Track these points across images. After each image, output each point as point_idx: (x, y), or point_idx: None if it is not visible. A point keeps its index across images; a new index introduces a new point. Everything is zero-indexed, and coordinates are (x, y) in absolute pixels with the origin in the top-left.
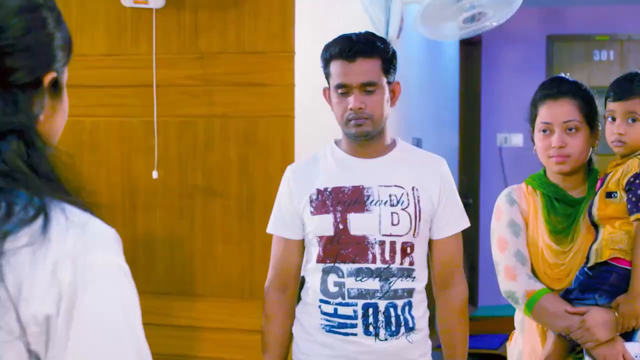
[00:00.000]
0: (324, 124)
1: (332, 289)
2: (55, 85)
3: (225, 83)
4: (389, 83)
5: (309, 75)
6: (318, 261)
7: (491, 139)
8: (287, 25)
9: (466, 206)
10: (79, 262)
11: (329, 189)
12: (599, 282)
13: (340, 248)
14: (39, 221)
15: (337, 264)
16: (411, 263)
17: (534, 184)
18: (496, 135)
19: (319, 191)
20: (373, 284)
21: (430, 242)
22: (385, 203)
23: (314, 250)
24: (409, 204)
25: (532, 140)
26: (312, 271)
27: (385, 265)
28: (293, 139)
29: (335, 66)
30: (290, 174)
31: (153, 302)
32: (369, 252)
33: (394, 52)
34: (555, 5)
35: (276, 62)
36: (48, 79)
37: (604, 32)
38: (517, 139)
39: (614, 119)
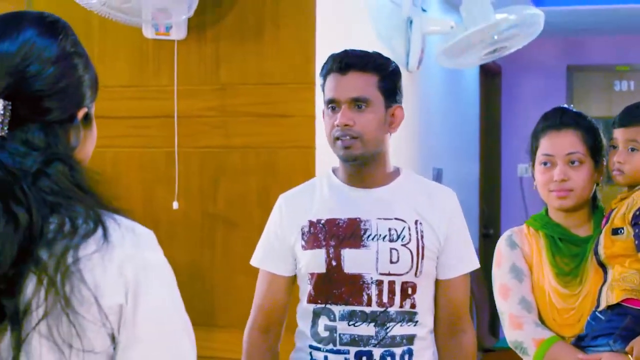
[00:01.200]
0: None
1: (323, 333)
2: (86, 117)
3: (246, 114)
4: (388, 105)
5: None
6: (309, 301)
7: (512, 169)
8: (308, 56)
9: (487, 237)
10: (138, 261)
11: (322, 221)
12: (613, 327)
13: (333, 287)
14: (100, 230)
15: (328, 305)
16: (413, 305)
17: (535, 225)
18: (517, 165)
19: (311, 223)
20: (367, 329)
21: (436, 283)
22: (384, 238)
23: (305, 288)
24: (410, 239)
25: (532, 175)
26: (303, 312)
27: (382, 309)
28: (314, 170)
29: (328, 81)
30: (282, 202)
31: None
32: (364, 293)
33: (396, 73)
34: (575, 36)
35: (297, 93)
36: (81, 114)
37: (625, 62)
38: None
39: (615, 147)
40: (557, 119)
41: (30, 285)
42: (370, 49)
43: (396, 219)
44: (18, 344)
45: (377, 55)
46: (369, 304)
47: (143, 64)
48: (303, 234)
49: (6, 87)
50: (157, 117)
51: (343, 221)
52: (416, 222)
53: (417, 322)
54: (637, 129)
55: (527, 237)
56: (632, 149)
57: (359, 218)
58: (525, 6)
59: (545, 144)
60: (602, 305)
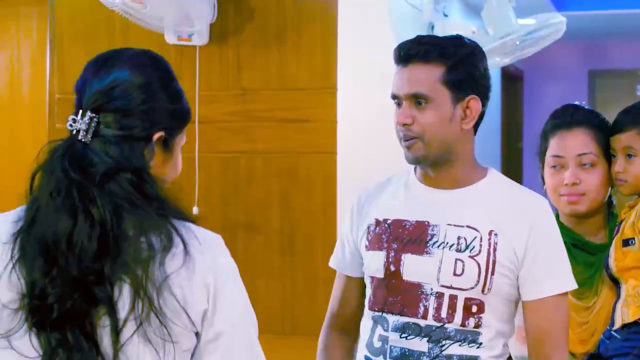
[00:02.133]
0: (367, 160)
1: (377, 343)
2: (166, 143)
3: (267, 119)
4: (458, 99)
5: (351, 111)
6: (369, 307)
7: (534, 174)
8: (329, 61)
9: None
10: (215, 268)
11: (388, 221)
12: (629, 346)
13: (389, 294)
14: (180, 244)
15: (384, 314)
16: (477, 325)
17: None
18: (539, 171)
19: (377, 222)
20: (420, 344)
21: (522, 305)
22: (450, 247)
23: (367, 292)
24: (480, 251)
25: (542, 178)
26: (365, 319)
27: (439, 324)
28: (335, 175)
29: (394, 72)
30: (356, 198)
31: None
32: (421, 305)
33: (471, 59)
34: (597, 41)
35: (318, 98)
36: (156, 136)
37: None
38: None
39: (614, 157)
40: (568, 117)
41: (125, 292)
42: (390, 54)
43: (468, 226)
44: (116, 343)
45: (448, 41)
46: (424, 317)
47: None
48: (368, 232)
49: (94, 102)
50: None
51: (410, 223)
52: (490, 232)
53: (481, 344)
54: (630, 133)
55: None
56: (630, 155)
57: (428, 222)
58: (548, 13)
59: (555, 145)
60: (618, 324)
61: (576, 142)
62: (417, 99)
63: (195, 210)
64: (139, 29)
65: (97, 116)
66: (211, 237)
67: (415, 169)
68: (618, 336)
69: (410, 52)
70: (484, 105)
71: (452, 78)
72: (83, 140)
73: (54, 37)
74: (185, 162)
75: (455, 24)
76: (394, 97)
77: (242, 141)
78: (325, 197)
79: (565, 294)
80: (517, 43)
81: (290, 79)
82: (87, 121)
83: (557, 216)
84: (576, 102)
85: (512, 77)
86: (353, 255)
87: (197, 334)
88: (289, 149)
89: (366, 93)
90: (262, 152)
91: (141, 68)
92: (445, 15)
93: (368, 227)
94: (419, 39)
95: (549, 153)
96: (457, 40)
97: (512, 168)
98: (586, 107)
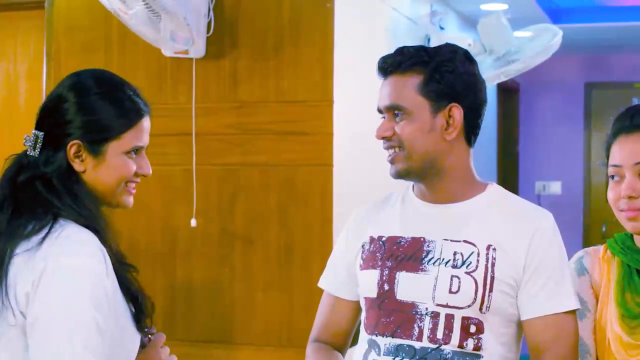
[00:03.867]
0: (364, 173)
1: None
2: (94, 150)
3: (265, 132)
4: (438, 108)
5: (348, 124)
6: (365, 330)
7: (529, 186)
8: (326, 74)
9: None
10: (53, 260)
11: (383, 238)
12: None
13: (382, 315)
14: (43, 233)
15: (376, 337)
16: (477, 347)
17: (614, 248)
18: (535, 183)
19: (372, 239)
20: None
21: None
22: (446, 263)
23: (362, 315)
24: (477, 267)
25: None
26: (360, 343)
27: (434, 346)
28: (332, 188)
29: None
30: (352, 216)
31: (193, 350)
32: (415, 325)
33: (451, 66)
34: (593, 53)
35: (315, 111)
36: (71, 146)
37: None
38: (556, 187)
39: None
40: (627, 120)
41: None
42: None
43: (465, 241)
44: None
45: (427, 50)
46: (419, 339)
47: (161, 81)
48: (363, 251)
49: (36, 121)
50: (175, 135)
51: (406, 240)
52: (488, 247)
53: None
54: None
55: (600, 262)
56: None
57: (424, 238)
58: (544, 25)
59: (614, 153)
60: None
61: (636, 149)
62: (395, 111)
63: (193, 222)
64: (136, 42)
65: (38, 133)
66: (76, 237)
67: (413, 185)
68: None
69: (389, 64)
70: (472, 113)
71: (429, 88)
72: (31, 154)
73: (51, 50)
74: (182, 174)
75: (451, 36)
76: (379, 110)
77: (239, 154)
78: (322, 209)
79: (569, 313)
80: (512, 58)
81: (287, 91)
82: (33, 138)
83: (632, 237)
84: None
85: (508, 90)
86: (347, 275)
87: (23, 314)
88: (286, 162)
89: (363, 106)
90: (259, 164)
91: (60, 88)
92: (442, 28)
93: (363, 246)
94: (400, 50)
95: (609, 162)
96: (438, 47)
97: (508, 181)
98: None
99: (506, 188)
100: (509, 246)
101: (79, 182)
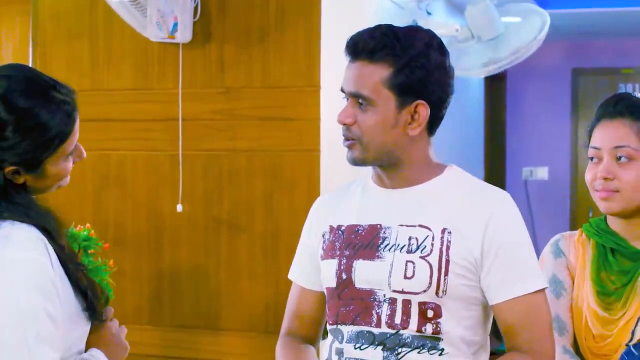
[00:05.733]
0: None
1: (334, 357)
2: (32, 169)
3: (251, 117)
4: (404, 103)
5: (334, 109)
6: (328, 320)
7: (517, 172)
8: (312, 59)
9: None
10: None
11: (342, 227)
12: None
13: (342, 304)
14: None
15: (338, 326)
16: (436, 332)
17: (589, 231)
18: (522, 169)
19: (331, 229)
20: (374, 353)
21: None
22: (401, 248)
23: (326, 306)
24: (432, 251)
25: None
26: (328, 333)
27: (393, 331)
28: (319, 174)
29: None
30: (315, 205)
31: (178, 335)
32: (374, 312)
33: (424, 61)
34: (580, 39)
35: (302, 96)
36: (8, 170)
37: (630, 65)
38: (543, 173)
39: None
40: (611, 106)
41: None
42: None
43: (420, 225)
44: None
45: (400, 37)
46: (378, 325)
47: (148, 67)
48: (324, 241)
49: None
50: (162, 121)
51: (363, 228)
52: (443, 230)
53: (442, 350)
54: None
55: (575, 244)
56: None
57: (380, 225)
58: (530, 5)
59: (595, 136)
60: (636, 338)
61: (615, 133)
62: (359, 99)
63: (179, 208)
64: (122, 27)
65: None
66: (18, 233)
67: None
68: (636, 352)
69: (358, 47)
70: (438, 107)
71: (398, 82)
72: None
73: (37, 36)
74: (169, 159)
75: (438, 22)
76: (342, 90)
77: (225, 139)
78: (309, 195)
79: (538, 293)
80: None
81: (274, 77)
82: None
83: (605, 220)
84: (626, 92)
85: (494, 76)
86: (311, 266)
87: None
88: (273, 147)
89: None
90: (245, 150)
91: None
92: (429, 14)
93: (323, 235)
94: (371, 32)
95: (590, 144)
96: (411, 35)
97: (496, 167)
98: (635, 97)
99: (493, 174)
100: (465, 229)
101: (20, 192)
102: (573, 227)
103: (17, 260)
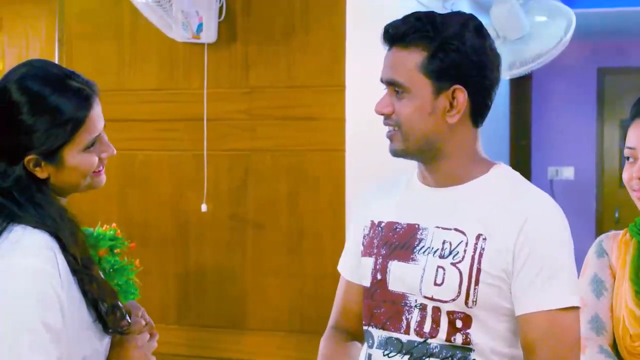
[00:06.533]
0: (375, 158)
1: None
2: (51, 159)
3: (276, 117)
4: (441, 89)
5: (359, 108)
6: (363, 320)
7: (542, 172)
8: (338, 59)
9: None
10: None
11: (382, 224)
12: None
13: (374, 306)
14: None
15: (370, 328)
16: (466, 342)
17: (633, 230)
18: (547, 168)
19: (372, 224)
20: None
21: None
22: (435, 252)
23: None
24: (464, 257)
25: None
26: None
27: (421, 340)
28: (344, 173)
29: None
30: (362, 197)
31: (204, 335)
32: (403, 318)
33: (459, 41)
34: (606, 38)
35: (327, 96)
36: (28, 160)
37: None
38: (569, 172)
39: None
40: None
41: None
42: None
43: (455, 229)
44: None
45: (434, 21)
46: (406, 332)
47: (173, 67)
48: (364, 237)
49: None
50: (187, 120)
51: (401, 226)
52: (478, 236)
53: None
54: None
55: (618, 244)
56: None
57: (418, 225)
58: (557, 3)
59: (630, 135)
60: None
61: None
62: (395, 87)
63: (204, 207)
64: (147, 28)
65: None
66: (27, 240)
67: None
68: None
69: (392, 34)
70: (480, 94)
71: (433, 66)
72: None
73: (63, 36)
74: (193, 159)
75: None
76: (381, 80)
77: (250, 139)
78: (334, 195)
79: (565, 310)
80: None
81: (298, 76)
82: None
83: None
84: None
85: (520, 76)
86: (356, 259)
87: None
88: (297, 147)
89: (374, 90)
90: (270, 149)
91: (11, 92)
92: None
93: (364, 230)
94: (405, 18)
95: (625, 144)
96: (447, 18)
97: (521, 167)
98: None
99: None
100: (500, 234)
101: (42, 190)
102: (599, 227)
103: (21, 268)
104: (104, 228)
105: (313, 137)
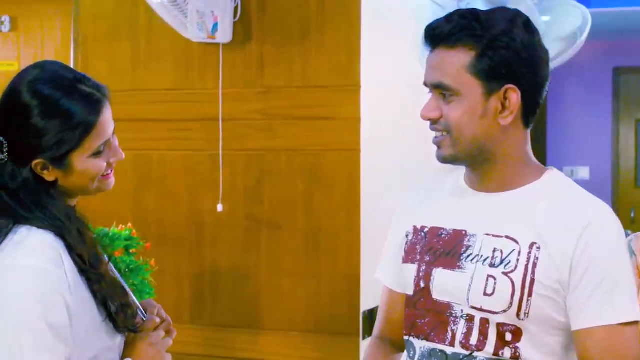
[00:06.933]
0: (392, 158)
1: None
2: (58, 163)
3: (291, 117)
4: (492, 89)
5: (375, 108)
6: (404, 329)
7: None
8: (353, 59)
9: None
10: (5, 262)
11: (426, 229)
12: None
13: (417, 316)
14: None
15: (411, 338)
16: (515, 356)
17: None
18: (562, 168)
19: (415, 229)
20: None
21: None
22: (484, 260)
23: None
24: (517, 267)
25: None
26: None
27: (467, 352)
28: (359, 173)
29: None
30: (404, 199)
31: (219, 334)
32: (449, 329)
33: (508, 37)
34: (621, 38)
35: (342, 95)
36: (35, 164)
37: None
38: (584, 172)
39: None
40: None
41: None
42: (413, 52)
43: (507, 237)
44: None
45: (480, 18)
46: (451, 344)
47: (188, 66)
48: (406, 242)
49: None
50: (202, 120)
51: (447, 232)
52: (532, 244)
53: None
54: None
55: None
56: None
57: (466, 231)
58: (569, 0)
59: None
60: None
61: None
62: (443, 91)
63: (219, 207)
64: (163, 29)
65: (2, 139)
66: (32, 240)
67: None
68: None
69: (436, 34)
70: (532, 93)
71: (482, 66)
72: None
73: (78, 36)
74: (209, 159)
75: None
76: (425, 84)
77: (265, 139)
78: (349, 195)
79: (625, 325)
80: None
81: (314, 76)
82: None
83: None
84: None
85: None
86: (396, 265)
87: None
88: (313, 147)
89: (389, 90)
90: (285, 149)
91: (22, 94)
92: None
93: (406, 235)
94: (449, 17)
95: None
96: (492, 14)
97: None
98: None
99: None
100: (555, 244)
101: (49, 192)
102: None
103: (23, 268)
104: (119, 228)
105: (328, 137)
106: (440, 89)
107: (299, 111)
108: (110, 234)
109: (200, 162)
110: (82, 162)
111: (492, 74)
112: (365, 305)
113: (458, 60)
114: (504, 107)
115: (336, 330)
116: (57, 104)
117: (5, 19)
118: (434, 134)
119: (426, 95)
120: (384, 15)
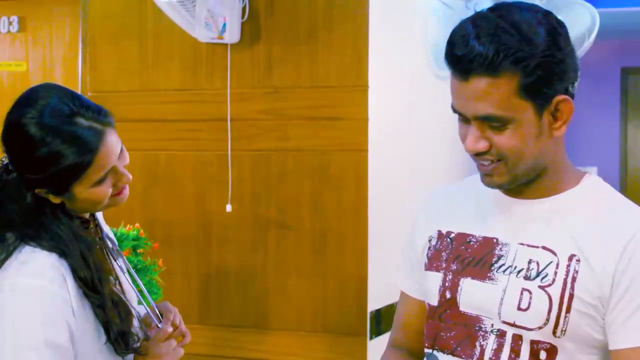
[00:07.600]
0: (400, 159)
1: None
2: (61, 194)
3: (299, 117)
4: (543, 105)
5: (383, 109)
6: (425, 341)
7: None
8: (361, 59)
9: None
10: (8, 282)
11: (452, 235)
12: None
13: (442, 328)
14: (5, 258)
15: (435, 351)
16: None
17: None
18: None
19: (439, 235)
20: None
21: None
22: (518, 272)
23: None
24: (555, 280)
25: None
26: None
27: None
28: (367, 173)
29: (451, 81)
30: (426, 199)
31: (227, 334)
32: (477, 344)
33: (551, 48)
34: (629, 38)
35: (350, 96)
36: (37, 191)
37: None
38: (592, 172)
39: None
40: None
41: None
42: (421, 52)
43: (544, 248)
44: None
45: (516, 37)
46: None
47: (196, 67)
48: (429, 247)
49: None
50: (210, 121)
51: (476, 239)
52: (571, 257)
53: None
54: None
55: None
56: None
57: (497, 239)
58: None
59: None
60: None
61: None
62: (492, 123)
63: (228, 207)
64: (171, 29)
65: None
66: (35, 260)
67: None
68: None
69: (471, 64)
70: (573, 97)
71: (531, 87)
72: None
73: (86, 37)
74: (217, 159)
75: None
76: (456, 111)
77: (273, 139)
78: (357, 195)
79: None
80: None
81: (322, 76)
82: (4, 164)
83: None
84: None
85: None
86: (415, 271)
87: None
88: (321, 147)
89: (397, 90)
90: (293, 149)
91: (31, 127)
92: None
93: (429, 240)
94: (475, 43)
95: None
96: (528, 25)
97: None
98: None
99: None
100: (597, 256)
101: (55, 213)
102: None
103: (25, 289)
104: (127, 228)
105: (336, 137)
106: (489, 121)
107: (307, 111)
108: (118, 234)
109: (208, 163)
110: (84, 191)
111: (541, 91)
112: (372, 305)
113: (506, 87)
114: (555, 118)
115: (343, 331)
116: (47, 146)
117: (14, 19)
118: (482, 162)
119: (439, 102)
120: (392, 15)
